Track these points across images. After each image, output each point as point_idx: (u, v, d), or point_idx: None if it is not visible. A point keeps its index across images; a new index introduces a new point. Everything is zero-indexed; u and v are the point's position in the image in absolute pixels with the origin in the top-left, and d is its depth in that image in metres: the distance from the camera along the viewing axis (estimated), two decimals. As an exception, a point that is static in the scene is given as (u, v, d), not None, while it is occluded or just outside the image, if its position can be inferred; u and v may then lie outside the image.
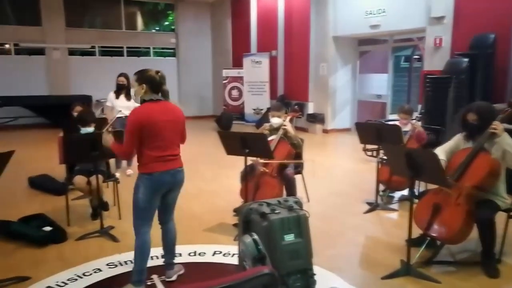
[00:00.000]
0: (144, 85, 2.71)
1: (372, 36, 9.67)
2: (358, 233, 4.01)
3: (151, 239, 2.82)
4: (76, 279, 3.06)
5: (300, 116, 6.54)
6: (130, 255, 3.04)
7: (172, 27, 13.96)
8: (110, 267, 3.23)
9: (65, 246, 3.68)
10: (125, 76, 5.93)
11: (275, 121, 4.42)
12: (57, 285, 2.98)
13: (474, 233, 3.15)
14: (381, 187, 4.83)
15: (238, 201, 4.29)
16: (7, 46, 11.79)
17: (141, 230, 2.77)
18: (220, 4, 13.48)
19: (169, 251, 3.03)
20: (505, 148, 3.10)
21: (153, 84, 2.73)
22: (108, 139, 2.94)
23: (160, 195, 2.79)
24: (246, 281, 1.35)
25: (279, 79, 11.55)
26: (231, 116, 11.36)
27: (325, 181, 5.90)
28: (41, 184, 5.49)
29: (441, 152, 3.36)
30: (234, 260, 3.20)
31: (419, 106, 7.35)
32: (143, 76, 2.74)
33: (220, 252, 3.50)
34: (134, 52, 13.35)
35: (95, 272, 3.17)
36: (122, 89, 5.94)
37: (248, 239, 2.43)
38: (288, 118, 4.48)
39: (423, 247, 3.22)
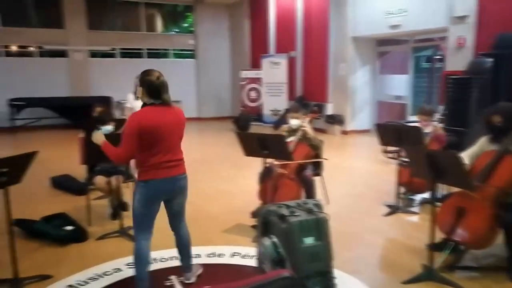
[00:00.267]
0: (141, 88, 2.60)
1: (392, 37, 9.54)
2: (378, 236, 3.95)
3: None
4: (96, 279, 3.10)
5: (319, 117, 6.49)
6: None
7: (191, 29, 14.07)
8: (129, 267, 3.26)
9: (86, 246, 3.73)
10: None
11: (293, 122, 4.39)
12: (78, 283, 3.03)
13: (500, 237, 3.06)
14: (402, 189, 4.75)
15: (255, 203, 4.27)
16: (31, 48, 12.07)
17: (138, 237, 2.69)
18: (239, 5, 13.52)
19: (185, 255, 2.99)
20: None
21: (151, 89, 2.58)
22: (98, 137, 2.77)
23: (158, 203, 2.69)
24: (266, 284, 1.35)
25: (298, 80, 11.50)
26: (249, 117, 11.37)
27: (344, 182, 5.84)
28: (63, 184, 5.59)
29: (464, 157, 3.27)
30: (253, 262, 3.19)
31: (440, 107, 7.21)
32: (142, 79, 2.61)
33: (239, 254, 3.49)
34: (154, 54, 13.50)
35: (115, 271, 3.20)
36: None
37: (267, 241, 2.41)
38: (307, 119, 4.44)
39: (446, 251, 3.14)
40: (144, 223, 2.69)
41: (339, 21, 9.94)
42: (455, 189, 3.32)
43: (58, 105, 11.57)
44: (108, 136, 2.84)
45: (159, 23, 13.92)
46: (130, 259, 3.37)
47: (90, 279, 3.09)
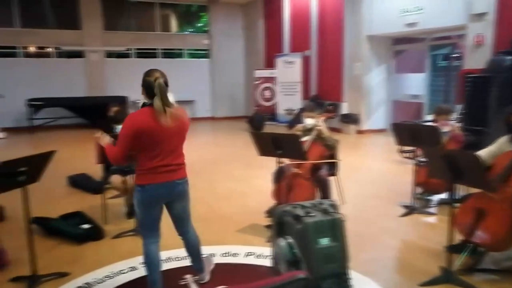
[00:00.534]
0: (142, 88, 2.50)
1: (409, 35, 9.41)
2: (394, 237, 3.90)
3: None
4: (112, 277, 3.13)
5: (334, 116, 6.44)
6: (163, 255, 3.07)
7: (205, 29, 14.12)
8: (144, 266, 3.27)
9: (102, 244, 3.77)
10: None
11: (308, 121, 4.36)
12: (95, 281, 3.06)
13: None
14: (418, 189, 4.68)
15: (269, 202, 4.26)
16: (49, 49, 12.28)
17: (145, 241, 2.66)
18: (253, 5, 13.51)
19: (195, 258, 2.94)
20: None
21: (148, 91, 2.47)
22: (103, 139, 2.73)
23: (157, 207, 2.62)
24: (281, 286, 1.33)
25: (312, 79, 11.45)
26: (263, 117, 11.36)
27: (360, 182, 5.78)
28: (79, 182, 5.66)
29: (481, 155, 3.20)
30: (267, 262, 3.18)
31: (457, 107, 7.08)
32: (143, 78, 2.49)
33: (253, 254, 3.48)
34: (168, 54, 13.59)
35: (130, 270, 3.23)
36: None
37: (282, 242, 2.40)
38: (322, 118, 4.40)
39: (465, 253, 3.08)
40: (147, 226, 2.65)
41: (354, 20, 9.86)
42: (474, 190, 3.26)
43: (74, 105, 11.75)
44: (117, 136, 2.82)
45: (173, 23, 14.01)
46: (145, 258, 3.42)
47: (106, 277, 3.11)
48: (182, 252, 3.40)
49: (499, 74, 6.07)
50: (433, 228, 4.15)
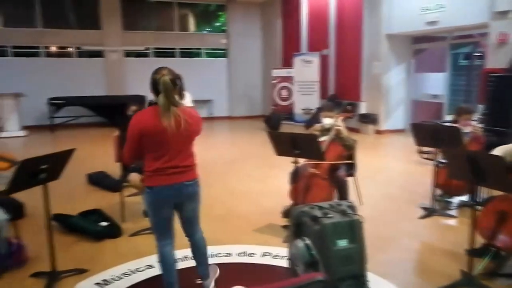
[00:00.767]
0: (151, 86, 2.45)
1: (429, 33, 9.24)
2: (413, 239, 3.83)
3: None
4: (129, 274, 3.16)
5: (352, 116, 6.37)
6: (179, 253, 3.09)
7: (223, 28, 14.15)
8: (161, 264, 3.30)
9: (120, 242, 3.81)
10: None
11: (327, 121, 4.32)
12: (112, 278, 3.09)
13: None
14: (438, 191, 4.59)
15: (286, 202, 4.24)
16: (69, 49, 12.50)
17: (159, 243, 2.63)
18: (271, 4, 13.49)
19: (201, 263, 2.84)
20: None
21: (154, 88, 2.44)
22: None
23: (167, 209, 2.57)
24: (299, 287, 1.32)
25: (330, 78, 11.36)
26: (280, 116, 11.32)
27: (378, 183, 5.71)
28: (98, 180, 5.74)
29: (499, 152, 3.12)
30: (284, 263, 3.16)
31: (479, 107, 6.92)
32: (151, 76, 2.46)
33: (270, 254, 3.46)
34: (187, 53, 13.67)
35: (147, 268, 3.25)
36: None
37: (300, 243, 2.37)
38: (341, 118, 4.35)
39: (487, 257, 3.00)
40: (160, 228, 2.62)
41: (373, 18, 9.73)
42: (496, 192, 3.17)
43: (94, 104, 11.92)
44: None
45: (191, 23, 14.08)
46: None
47: (123, 275, 3.15)
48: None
49: (524, 73, 5.91)
50: (454, 230, 4.07)
